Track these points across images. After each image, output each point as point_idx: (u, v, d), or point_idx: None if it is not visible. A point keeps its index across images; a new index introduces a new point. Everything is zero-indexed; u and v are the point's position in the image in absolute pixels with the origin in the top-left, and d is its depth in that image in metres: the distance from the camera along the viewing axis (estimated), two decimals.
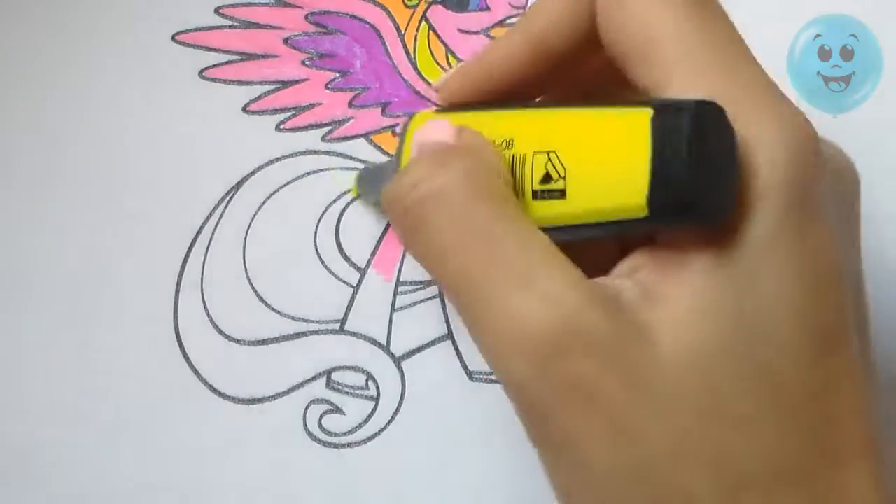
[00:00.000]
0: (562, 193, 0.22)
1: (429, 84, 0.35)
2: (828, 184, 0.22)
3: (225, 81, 0.36)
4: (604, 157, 0.22)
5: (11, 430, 0.33)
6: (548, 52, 0.25)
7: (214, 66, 0.36)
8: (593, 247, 0.24)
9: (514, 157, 0.24)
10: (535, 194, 0.23)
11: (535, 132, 0.24)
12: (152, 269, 0.34)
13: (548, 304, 0.21)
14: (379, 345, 0.33)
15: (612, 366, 0.20)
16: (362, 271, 0.34)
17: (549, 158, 0.23)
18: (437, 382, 0.33)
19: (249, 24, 0.36)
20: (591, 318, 0.21)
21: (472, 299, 0.22)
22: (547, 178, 0.23)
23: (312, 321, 0.33)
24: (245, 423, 0.32)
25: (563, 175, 0.22)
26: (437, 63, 0.36)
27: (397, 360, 0.33)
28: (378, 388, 0.33)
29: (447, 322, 0.33)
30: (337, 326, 0.33)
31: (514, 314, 0.21)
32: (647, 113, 0.21)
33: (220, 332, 0.33)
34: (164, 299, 0.33)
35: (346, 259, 0.34)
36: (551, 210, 0.23)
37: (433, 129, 0.25)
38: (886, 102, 0.36)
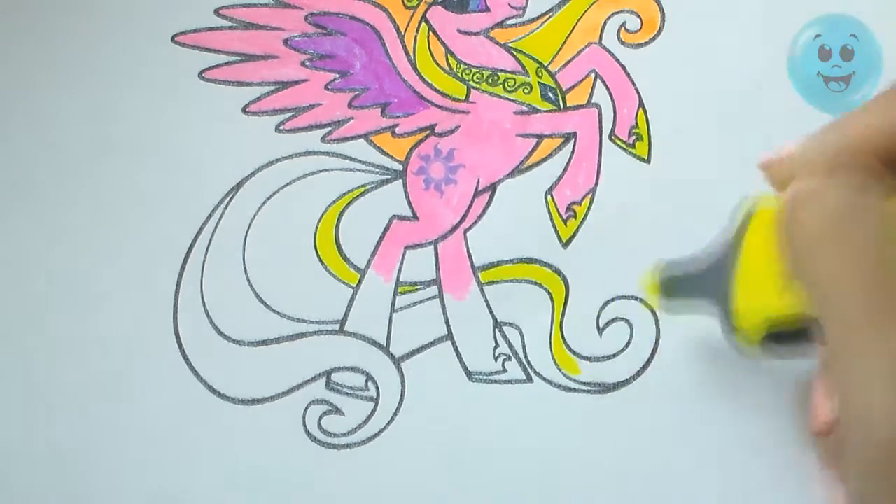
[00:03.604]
0: None
1: (428, 84, 0.35)
2: None
3: (225, 82, 0.36)
4: None
5: (12, 432, 0.33)
6: None
7: (214, 67, 0.36)
8: None
9: None
10: None
11: None
12: (152, 269, 0.34)
13: None
14: (378, 345, 0.33)
15: None
16: (362, 272, 0.34)
17: None
18: (437, 383, 0.33)
19: (249, 25, 0.36)
20: None
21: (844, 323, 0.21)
22: None
23: (312, 322, 0.33)
24: (245, 424, 0.32)
25: None
26: (437, 63, 0.36)
27: (397, 361, 0.33)
28: (378, 388, 0.33)
29: (447, 322, 0.33)
30: (336, 327, 0.33)
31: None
32: None
33: (220, 332, 0.33)
34: (165, 300, 0.33)
35: (346, 260, 0.34)
36: None
37: None
38: None
